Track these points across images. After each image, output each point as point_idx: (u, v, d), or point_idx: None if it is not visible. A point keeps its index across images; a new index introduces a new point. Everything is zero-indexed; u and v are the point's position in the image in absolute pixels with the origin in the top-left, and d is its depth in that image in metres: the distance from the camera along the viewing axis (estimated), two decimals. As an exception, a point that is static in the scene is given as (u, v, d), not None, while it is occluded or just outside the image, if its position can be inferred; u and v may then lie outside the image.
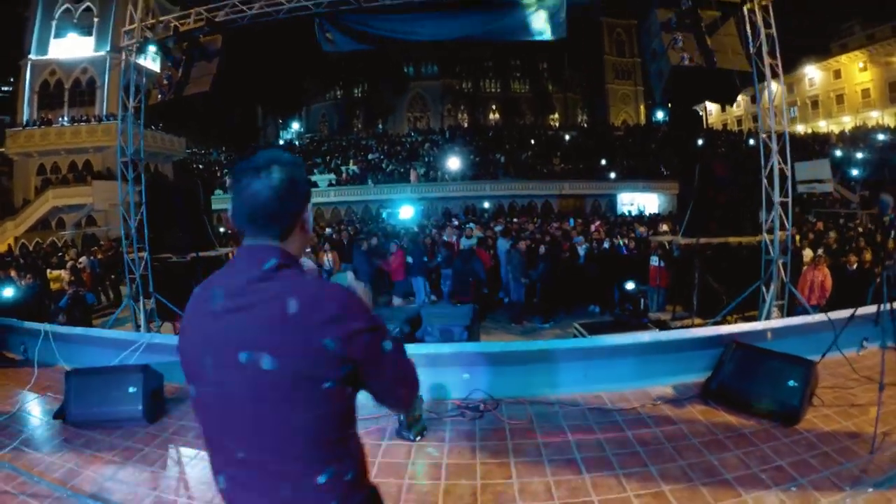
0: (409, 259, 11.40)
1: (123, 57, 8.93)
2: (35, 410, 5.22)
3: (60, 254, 17.65)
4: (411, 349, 4.62)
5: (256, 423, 1.33)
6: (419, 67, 59.19)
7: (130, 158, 9.06)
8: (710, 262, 8.26)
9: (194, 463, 4.02)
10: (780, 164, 7.35)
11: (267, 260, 1.37)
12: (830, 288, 8.62)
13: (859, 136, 37.55)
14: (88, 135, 30.46)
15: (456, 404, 4.55)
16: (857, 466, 3.41)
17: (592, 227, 15.98)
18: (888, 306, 4.28)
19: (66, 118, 31.39)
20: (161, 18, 8.81)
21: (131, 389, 4.80)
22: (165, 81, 8.49)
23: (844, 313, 4.99)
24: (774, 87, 7.45)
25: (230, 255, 10.28)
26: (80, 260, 15.08)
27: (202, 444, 1.47)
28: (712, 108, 61.20)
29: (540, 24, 7.36)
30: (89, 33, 32.08)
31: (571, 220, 21.76)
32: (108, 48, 31.52)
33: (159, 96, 8.62)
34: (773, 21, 7.21)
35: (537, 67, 61.34)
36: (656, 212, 30.15)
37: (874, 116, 43.83)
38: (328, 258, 13.16)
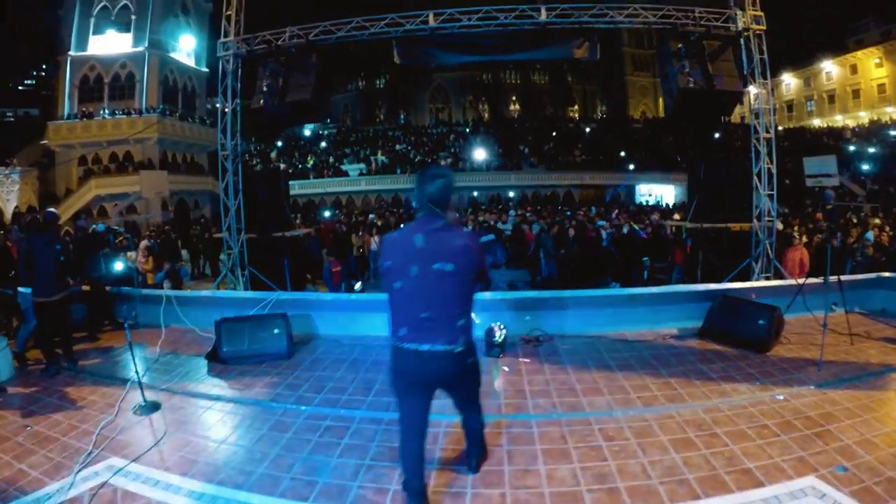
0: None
1: (220, 66, 10.13)
2: (184, 356, 6.35)
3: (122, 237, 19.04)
4: (493, 295, 6.33)
5: (437, 297, 2.89)
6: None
7: (230, 153, 10.18)
8: (712, 243, 9.91)
9: (332, 384, 5.30)
10: (767, 164, 9.08)
11: (438, 222, 2.92)
12: (808, 264, 10.09)
13: (872, 132, 38.40)
14: (129, 127, 31.25)
15: (522, 338, 6.36)
16: (806, 376, 5.11)
17: (613, 215, 17.69)
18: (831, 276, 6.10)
19: (106, 111, 32.48)
20: (257, 34, 10.03)
21: (276, 331, 6.16)
22: (266, 88, 9.91)
23: (808, 280, 6.81)
24: (764, 101, 9.20)
25: (305, 235, 12.10)
26: (143, 243, 16.64)
27: (397, 314, 2.99)
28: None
29: (580, 49, 9.09)
30: (127, 30, 33.01)
31: (594, 209, 23.57)
32: (147, 44, 32.83)
33: (262, 101, 9.97)
34: (764, 48, 9.00)
35: (556, 59, 62.08)
36: (673, 202, 31.56)
37: (889, 112, 44.15)
38: (375, 241, 14.81)
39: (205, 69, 37.82)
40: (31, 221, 9.73)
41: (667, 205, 29.82)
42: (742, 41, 9.01)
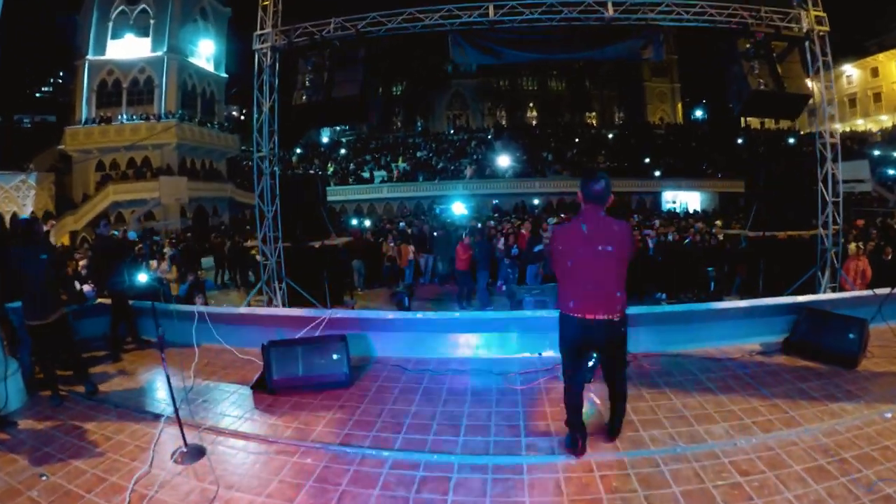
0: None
1: (256, 59, 9.49)
2: (223, 384, 5.59)
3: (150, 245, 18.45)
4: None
5: (600, 274, 3.55)
6: (458, 65, 58.17)
7: (267, 154, 9.63)
8: (772, 252, 9.58)
9: (410, 420, 4.59)
10: (832, 170, 8.77)
11: (600, 213, 3.63)
12: (870, 275, 9.89)
13: (896, 136, 37.98)
14: (148, 132, 31.28)
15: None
16: None
17: (656, 223, 17.37)
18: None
19: (124, 116, 32.51)
20: (297, 25, 9.42)
21: (335, 356, 5.38)
22: (308, 83, 9.25)
23: (886, 290, 6.50)
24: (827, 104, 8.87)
25: (343, 244, 11.80)
26: (165, 251, 16.20)
27: (567, 289, 3.67)
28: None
29: (647, 50, 8.74)
30: (146, 34, 33.09)
31: (636, 216, 23.62)
32: (166, 49, 32.84)
33: (304, 97, 9.31)
34: (828, 50, 8.73)
35: (574, 65, 60.74)
36: (702, 209, 31.24)
37: None
38: (412, 251, 14.36)
39: (224, 75, 37.87)
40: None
41: (695, 211, 29.54)
42: (807, 44, 8.74)
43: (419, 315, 6.53)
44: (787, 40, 8.72)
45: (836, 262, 8.83)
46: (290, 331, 6.11)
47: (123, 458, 4.06)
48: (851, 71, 48.36)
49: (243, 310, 7.99)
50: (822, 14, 8.73)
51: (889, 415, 4.36)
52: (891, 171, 29.10)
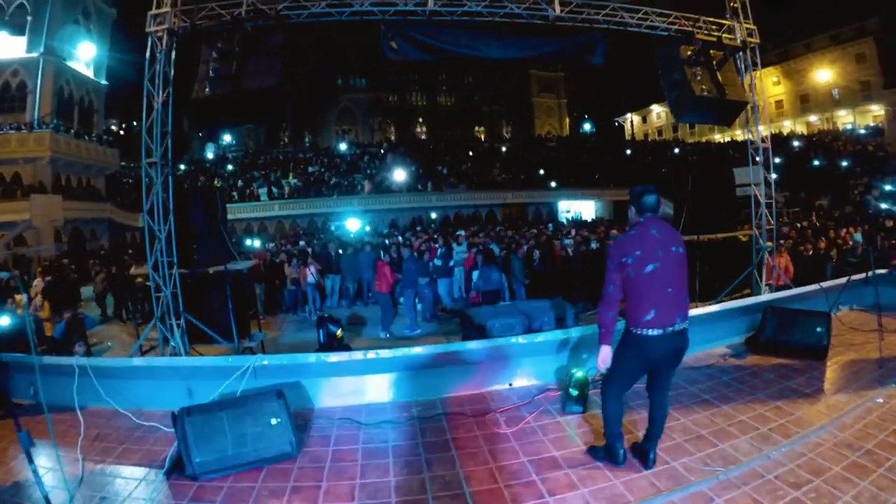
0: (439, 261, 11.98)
1: (149, 44, 7.84)
2: (124, 468, 4.16)
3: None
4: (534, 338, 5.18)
5: (677, 274, 3.47)
6: (347, 80, 59.13)
7: (160, 161, 7.83)
8: (702, 255, 9.74)
9: (397, 500, 3.58)
10: (765, 174, 9.37)
11: (659, 221, 3.59)
12: (792, 270, 10.56)
13: (777, 144, 41.56)
14: (19, 144, 27.92)
15: (596, 379, 4.95)
16: (879, 375, 5.11)
17: (573, 232, 17.53)
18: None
19: (-8, 125, 28.79)
20: (202, 4, 7.90)
21: (274, 421, 4.23)
22: (213, 73, 7.77)
23: (838, 282, 7.19)
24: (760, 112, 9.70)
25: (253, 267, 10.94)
26: (36, 283, 13.93)
27: (643, 299, 3.39)
28: (635, 119, 65.45)
29: (589, 51, 8.44)
30: (22, 32, 29.42)
31: (550, 226, 24.30)
32: (42, 50, 29.45)
33: (207, 90, 7.76)
34: (758, 60, 9.36)
35: (463, 81, 62.54)
36: (595, 217, 32.38)
37: (787, 126, 49.66)
38: (312, 271, 12.77)
39: (104, 81, 34.70)
40: None
41: (592, 220, 30.56)
42: (739, 53, 9.04)
43: (370, 354, 5.41)
44: (722, 49, 8.82)
45: (771, 260, 9.15)
46: (205, 385, 4.96)
47: None
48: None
49: (138, 361, 6.26)
50: (752, 27, 9.05)
51: (880, 400, 4.53)
52: (773, 176, 31.64)
